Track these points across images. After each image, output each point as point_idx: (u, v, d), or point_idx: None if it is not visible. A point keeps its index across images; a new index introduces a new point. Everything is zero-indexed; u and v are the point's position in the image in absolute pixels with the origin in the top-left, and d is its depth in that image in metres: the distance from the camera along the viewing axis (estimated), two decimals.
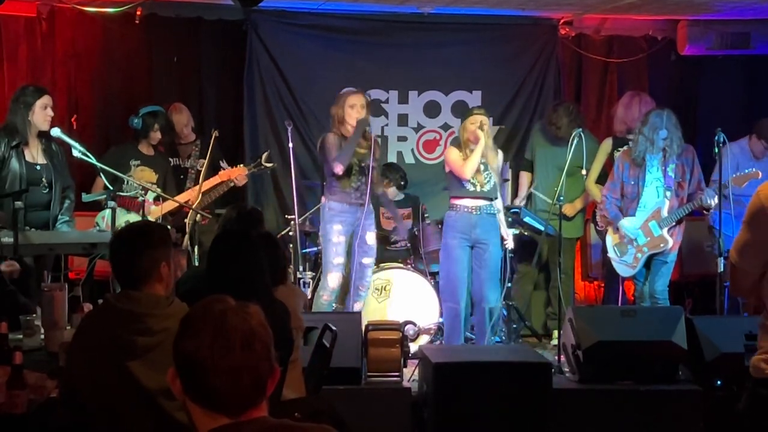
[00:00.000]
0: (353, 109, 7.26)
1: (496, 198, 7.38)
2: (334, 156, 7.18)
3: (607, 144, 8.07)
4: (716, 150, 7.21)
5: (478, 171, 7.29)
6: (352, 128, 7.25)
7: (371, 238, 7.49)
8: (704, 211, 7.40)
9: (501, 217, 7.43)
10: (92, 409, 3.36)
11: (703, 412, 6.06)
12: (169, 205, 7.30)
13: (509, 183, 8.52)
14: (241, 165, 7.67)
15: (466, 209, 7.34)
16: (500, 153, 7.53)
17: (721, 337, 6.16)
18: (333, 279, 7.30)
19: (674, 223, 7.27)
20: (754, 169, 7.35)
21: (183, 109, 8.09)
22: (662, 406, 6.17)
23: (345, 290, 7.52)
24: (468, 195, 7.34)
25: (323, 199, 7.44)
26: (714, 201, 7.15)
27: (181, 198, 7.37)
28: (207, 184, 7.48)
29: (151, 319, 3.36)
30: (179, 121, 8.02)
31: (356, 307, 7.41)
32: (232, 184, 7.59)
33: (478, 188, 7.32)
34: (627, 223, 7.30)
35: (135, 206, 7.25)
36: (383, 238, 8.31)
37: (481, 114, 7.37)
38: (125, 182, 7.25)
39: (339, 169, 7.19)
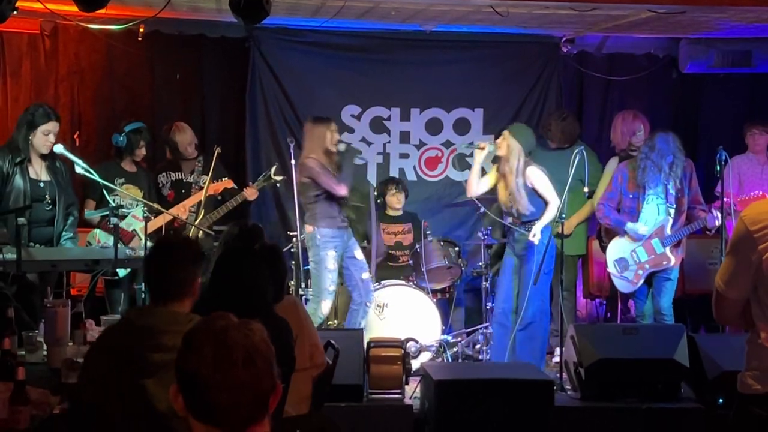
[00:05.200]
0: (335, 134, 7.44)
1: (524, 218, 7.31)
2: (333, 179, 7.24)
3: (613, 162, 8.08)
4: (718, 168, 7.24)
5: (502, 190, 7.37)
6: (329, 153, 7.36)
7: (359, 253, 7.59)
8: (707, 232, 7.42)
9: (541, 222, 7.24)
10: (101, 427, 3.31)
11: (705, 430, 6.05)
12: (161, 221, 7.29)
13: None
14: (226, 178, 7.68)
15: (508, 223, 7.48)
16: (532, 171, 7.28)
17: (723, 355, 6.15)
18: (326, 306, 7.31)
19: (676, 241, 7.30)
20: (761, 192, 7.42)
21: (186, 128, 8.00)
22: (664, 424, 6.16)
23: (344, 308, 7.57)
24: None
25: (309, 227, 7.40)
26: (718, 222, 7.19)
27: (171, 212, 7.35)
28: (194, 199, 7.51)
29: (166, 335, 3.33)
30: (182, 141, 7.91)
31: (363, 324, 7.44)
32: (242, 200, 7.61)
33: (505, 207, 7.41)
34: (633, 225, 7.31)
35: (127, 237, 7.24)
36: (385, 255, 8.35)
37: (507, 131, 7.45)
38: (113, 200, 7.26)
39: (345, 190, 7.28)
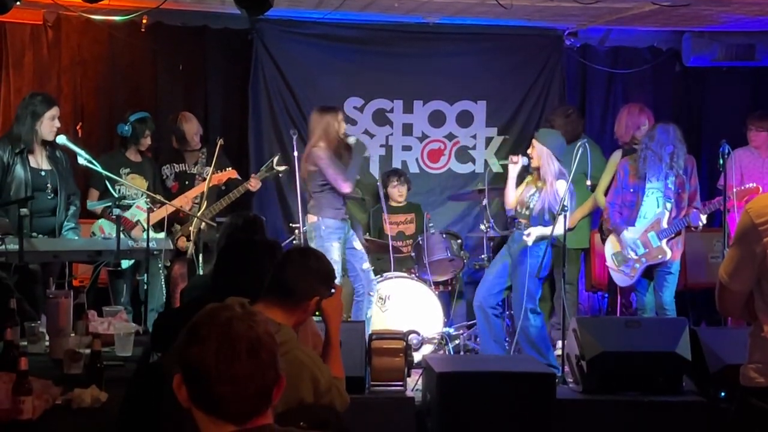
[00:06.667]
0: (342, 124, 7.39)
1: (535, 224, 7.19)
2: (341, 175, 7.20)
3: (617, 155, 8.08)
4: (721, 161, 7.24)
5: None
6: (336, 143, 7.33)
7: (358, 244, 7.59)
8: (693, 229, 7.43)
9: (541, 228, 7.11)
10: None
11: (707, 424, 6.05)
12: (164, 212, 7.28)
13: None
14: (229, 168, 7.68)
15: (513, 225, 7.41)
16: (561, 185, 7.07)
17: (726, 348, 6.14)
18: None
19: (673, 235, 7.30)
20: (754, 184, 7.44)
21: (192, 117, 8.05)
22: (666, 417, 6.16)
23: (348, 299, 7.54)
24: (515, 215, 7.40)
25: (314, 217, 7.34)
26: (701, 222, 7.24)
27: (174, 203, 7.34)
28: (197, 190, 7.51)
29: None
30: (189, 130, 7.96)
31: (369, 314, 7.44)
32: (245, 191, 7.61)
33: (520, 210, 7.31)
34: (629, 234, 7.32)
35: (128, 225, 7.21)
36: (386, 246, 8.33)
37: (535, 139, 7.29)
38: (118, 191, 7.25)
39: (349, 188, 7.26)
